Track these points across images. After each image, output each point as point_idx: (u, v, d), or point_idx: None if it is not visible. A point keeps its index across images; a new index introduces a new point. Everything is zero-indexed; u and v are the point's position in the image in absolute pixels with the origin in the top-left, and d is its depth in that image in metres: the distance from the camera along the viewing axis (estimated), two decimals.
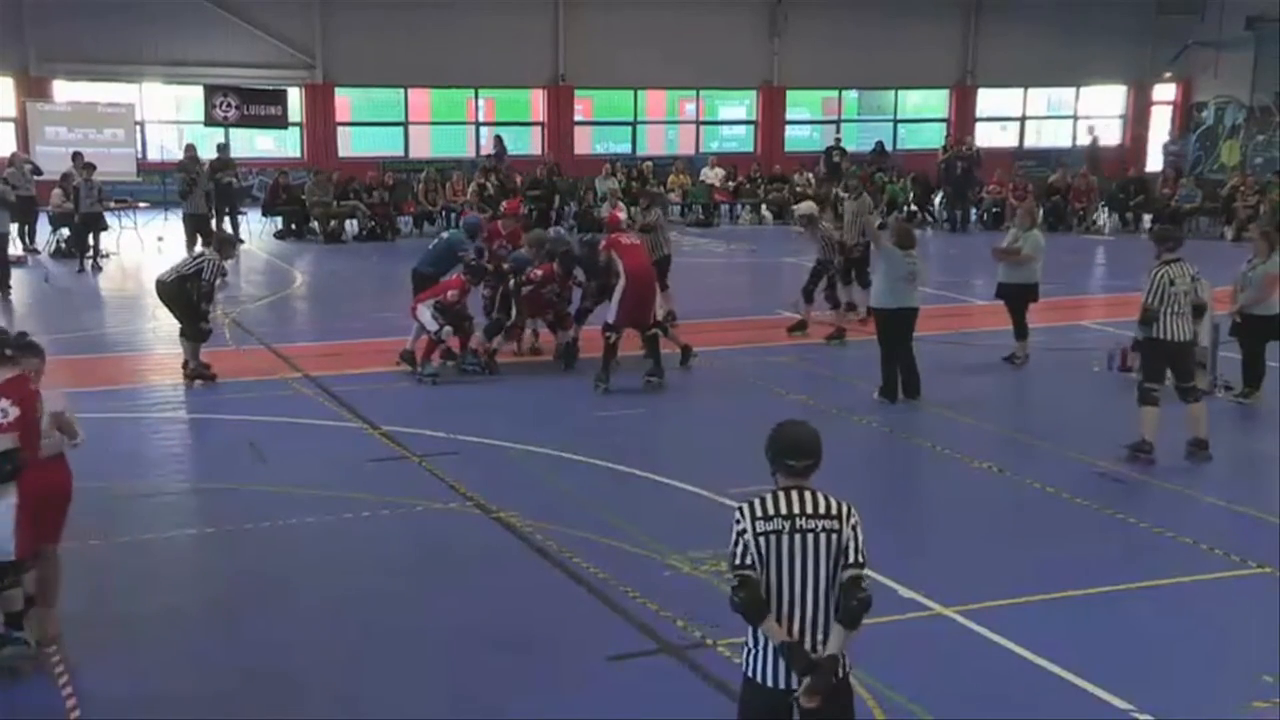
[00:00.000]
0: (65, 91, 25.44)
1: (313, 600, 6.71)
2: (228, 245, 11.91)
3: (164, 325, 14.07)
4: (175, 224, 21.47)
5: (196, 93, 25.04)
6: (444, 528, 7.87)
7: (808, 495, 4.09)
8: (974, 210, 25.50)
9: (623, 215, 13.27)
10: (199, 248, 15.76)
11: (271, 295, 16.86)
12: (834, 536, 4.04)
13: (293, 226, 23.01)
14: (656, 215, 13.80)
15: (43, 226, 20.56)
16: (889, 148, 28.76)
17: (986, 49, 31.49)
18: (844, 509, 4.09)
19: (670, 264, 13.76)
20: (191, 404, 10.88)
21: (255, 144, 27.14)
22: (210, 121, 24.34)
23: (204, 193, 19.43)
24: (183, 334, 11.38)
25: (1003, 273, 12.47)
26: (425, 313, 11.53)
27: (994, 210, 25.08)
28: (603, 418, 10.43)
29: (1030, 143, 33.22)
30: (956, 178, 25.21)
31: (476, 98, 28.78)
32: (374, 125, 28.26)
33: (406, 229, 23.32)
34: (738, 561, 4.07)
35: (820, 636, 4.07)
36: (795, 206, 14.09)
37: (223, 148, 22.59)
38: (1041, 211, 23.61)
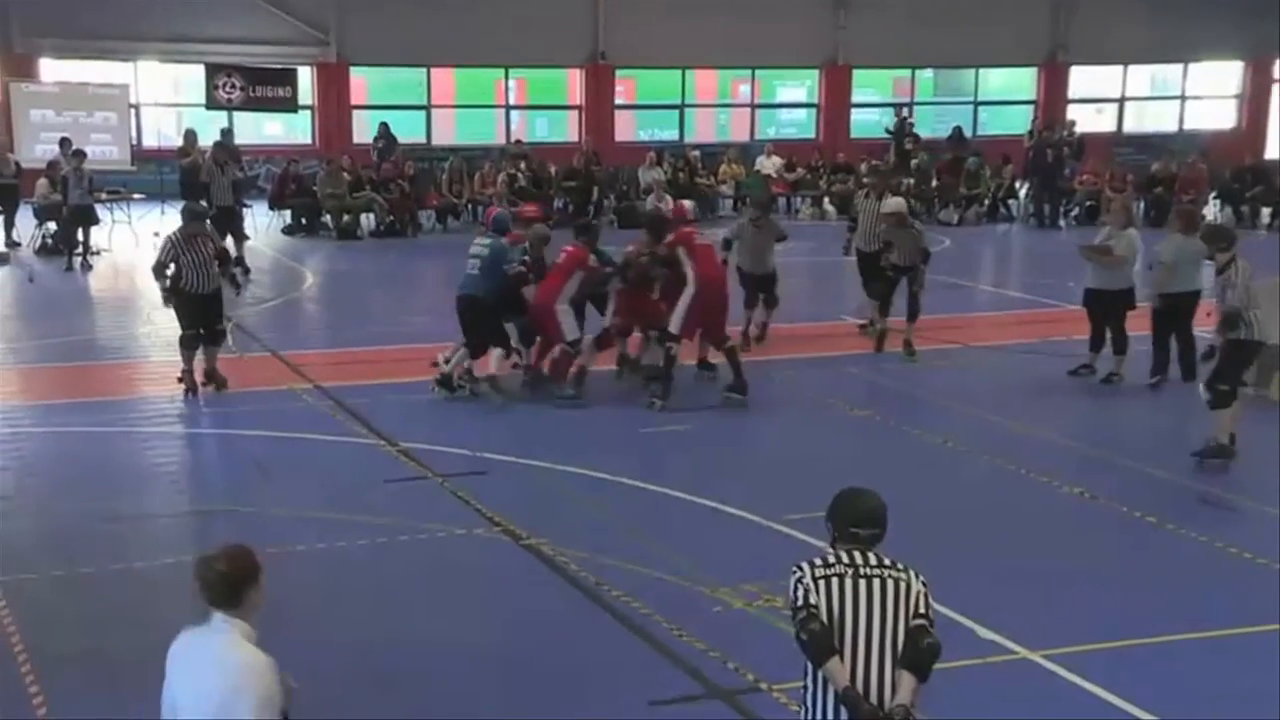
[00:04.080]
0: (52, 71, 25.75)
1: (322, 634, 6.78)
2: (189, 218, 11.68)
3: (160, 330, 14.27)
4: (174, 219, 21.70)
5: (197, 72, 25.35)
6: (469, 556, 7.92)
7: (870, 554, 4.31)
8: (1064, 204, 25.31)
9: (690, 205, 13.24)
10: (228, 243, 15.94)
11: (279, 297, 17.00)
12: (900, 584, 4.23)
13: (303, 221, 23.16)
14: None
15: (26, 219, 20.83)
16: (968, 133, 28.64)
17: (1081, 21, 31.25)
18: (910, 568, 4.31)
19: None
20: (191, 417, 11.02)
21: (262, 129, 27.43)
22: (212, 104, 24.64)
23: (230, 182, 19.49)
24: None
25: (1091, 276, 12.35)
26: (567, 318, 11.29)
27: (1088, 204, 24.90)
28: (647, 435, 10.47)
29: (1130, 128, 32.95)
30: (1046, 167, 25.03)
31: (507, 78, 28.93)
32: (393, 109, 28.44)
33: (429, 224, 23.49)
34: (800, 602, 4.24)
35: (884, 687, 4.15)
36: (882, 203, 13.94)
37: (226, 133, 22.85)
38: (1142, 205, 23.48)
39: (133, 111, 25.59)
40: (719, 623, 6.83)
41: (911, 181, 25.70)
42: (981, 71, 32.06)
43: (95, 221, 19.69)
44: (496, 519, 8.38)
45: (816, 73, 30.66)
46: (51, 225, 20.21)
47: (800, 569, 4.29)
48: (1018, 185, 26.29)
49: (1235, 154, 27.72)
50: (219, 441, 10.47)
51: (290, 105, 25.86)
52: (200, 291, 11.22)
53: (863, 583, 4.21)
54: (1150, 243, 13.14)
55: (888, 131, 27.94)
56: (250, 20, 26.35)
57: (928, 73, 31.90)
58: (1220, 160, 26.90)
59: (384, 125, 25.30)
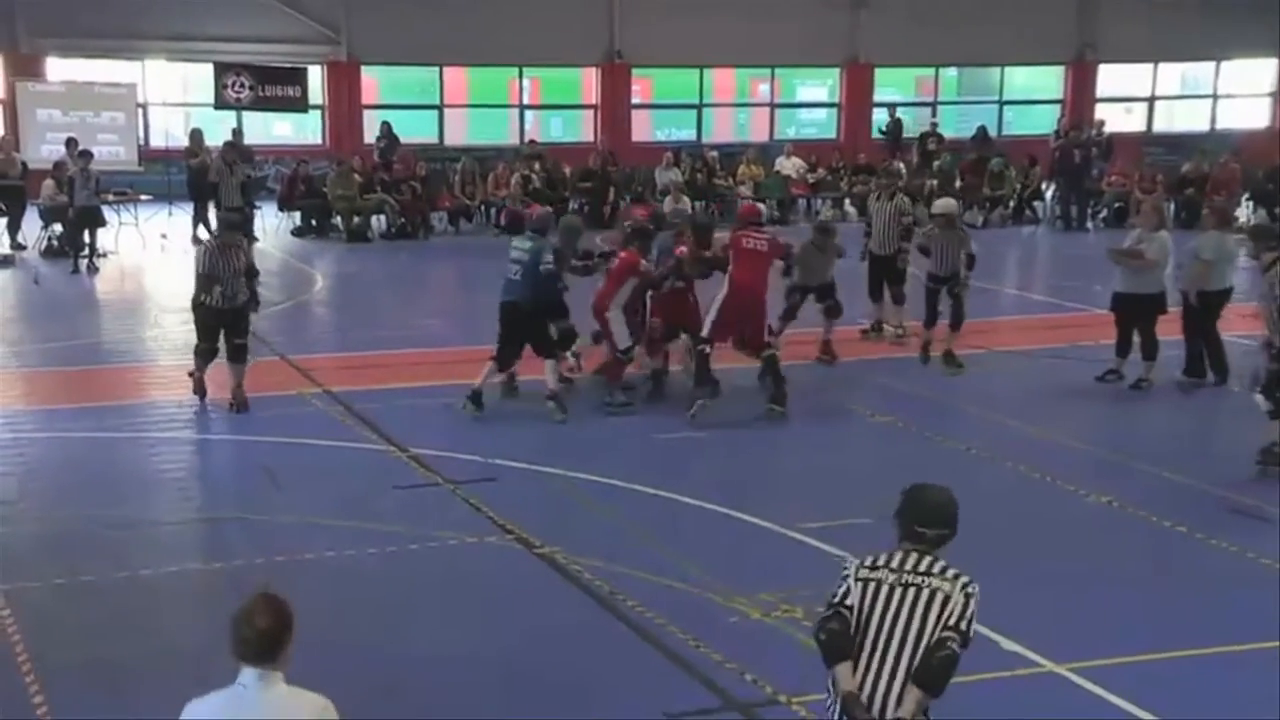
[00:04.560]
0: (59, 70, 25.88)
1: (331, 644, 6.77)
2: (226, 227, 11.70)
3: (168, 334, 14.34)
4: (182, 220, 21.81)
5: (206, 71, 25.43)
6: (480, 564, 7.94)
7: (926, 558, 4.31)
8: (1091, 205, 25.24)
9: (763, 209, 13.16)
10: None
11: (288, 300, 17.03)
12: (937, 595, 4.22)
13: (313, 222, 23.25)
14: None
15: (32, 221, 20.92)
16: (992, 133, 28.59)
17: (1109, 18, 31.15)
18: (961, 577, 4.27)
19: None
20: (199, 423, 11.05)
21: (271, 129, 27.55)
22: (221, 104, 24.72)
23: (239, 182, 19.53)
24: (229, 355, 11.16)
25: (1121, 280, 12.29)
26: (619, 325, 11.26)
27: (1116, 205, 24.82)
28: (662, 441, 10.46)
29: (1160, 127, 32.84)
30: (1072, 168, 24.96)
31: (520, 77, 28.99)
32: (405, 109, 28.54)
33: (441, 226, 23.53)
34: (835, 599, 4.28)
35: (890, 697, 4.16)
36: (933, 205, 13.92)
37: (236, 133, 22.93)
38: (1173, 206, 23.37)
39: (140, 111, 25.68)
40: (736, 633, 6.82)
41: (935, 183, 25.66)
42: (1007, 70, 31.98)
43: (102, 223, 19.80)
44: (508, 526, 8.39)
45: (837, 71, 30.63)
46: (57, 227, 20.28)
47: (848, 565, 4.35)
48: (1044, 186, 26.23)
49: (1269, 154, 27.55)
50: (226, 447, 10.49)
51: (300, 105, 25.93)
52: (226, 306, 11.00)
53: (899, 590, 4.22)
54: (1180, 244, 13.09)
55: (881, 132, 27.98)
56: (259, 19, 26.46)
57: (951, 71, 31.86)
58: (1253, 160, 26.78)
59: (385, 125, 25.34)
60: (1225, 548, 8.16)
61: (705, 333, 11.04)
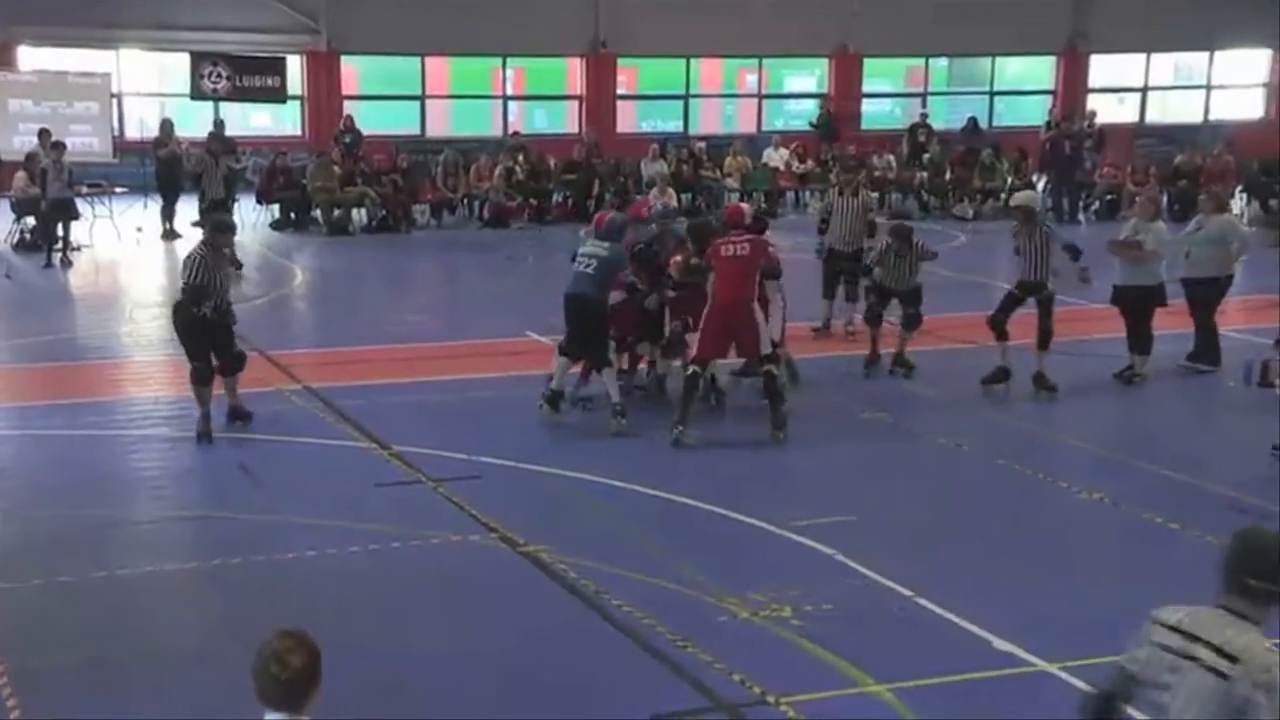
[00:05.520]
0: (31, 59, 25.80)
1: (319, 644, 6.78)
2: (219, 231, 10.76)
3: (143, 329, 14.31)
4: (158, 213, 21.73)
5: (182, 61, 25.38)
6: (464, 563, 7.94)
7: (1227, 625, 3.76)
8: (1083, 197, 25.32)
9: (748, 209, 12.48)
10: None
11: (267, 295, 16.99)
12: (1218, 687, 3.67)
13: (292, 215, 23.19)
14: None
15: (4, 214, 20.85)
16: (983, 124, 28.64)
17: (1101, 7, 31.21)
18: (1255, 659, 3.67)
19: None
20: (175, 421, 11.00)
21: (249, 120, 27.44)
22: (198, 94, 24.65)
23: (223, 175, 19.44)
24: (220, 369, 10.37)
25: (1120, 273, 12.35)
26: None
27: (1108, 198, 24.91)
28: (650, 439, 10.44)
29: (1153, 118, 32.95)
30: (1064, 159, 25.04)
31: (504, 67, 28.95)
32: (386, 99, 28.50)
33: (423, 219, 23.50)
34: (1125, 655, 3.96)
35: None
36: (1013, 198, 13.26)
37: (219, 125, 22.84)
38: (1166, 198, 23.44)
39: (114, 101, 25.57)
40: (725, 633, 6.84)
41: (925, 175, 25.73)
42: (998, 60, 32.06)
43: (75, 216, 19.72)
44: (493, 525, 8.39)
45: (826, 61, 30.65)
46: (30, 220, 20.20)
47: (1150, 618, 3.88)
48: (1035, 178, 26.29)
49: (1263, 145, 27.68)
50: (204, 445, 10.44)
51: (279, 95, 25.88)
52: (215, 314, 10.21)
53: (1184, 664, 3.72)
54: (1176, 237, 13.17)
55: (812, 125, 28.03)
56: (237, 7, 26.35)
57: (942, 61, 31.91)
58: (1247, 152, 26.91)
59: (348, 119, 25.16)
60: (1220, 545, 8.17)
61: (693, 354, 10.55)
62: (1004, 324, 11.80)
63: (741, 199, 25.86)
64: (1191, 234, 12.89)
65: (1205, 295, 12.71)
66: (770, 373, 10.43)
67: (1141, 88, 33.00)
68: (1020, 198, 12.62)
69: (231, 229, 11.36)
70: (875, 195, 14.45)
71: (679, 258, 11.14)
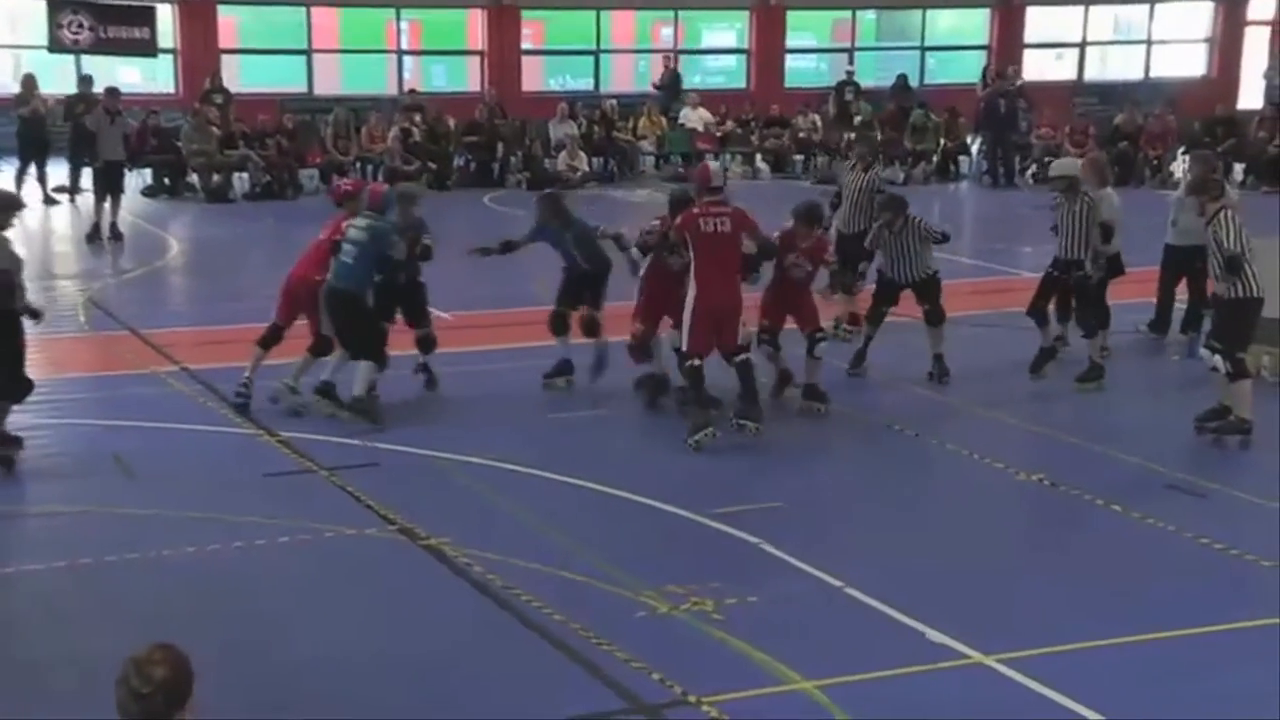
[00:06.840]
0: None
1: (193, 649, 6.70)
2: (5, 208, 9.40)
3: None
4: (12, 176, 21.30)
5: (38, 9, 24.80)
6: (360, 558, 7.89)
7: None
8: (1020, 160, 25.63)
9: (715, 166, 11.55)
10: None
11: (139, 268, 16.80)
12: None
13: (166, 181, 22.96)
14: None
15: None
16: (914, 82, 28.88)
17: None
18: None
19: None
20: (38, 405, 10.79)
21: (116, 75, 26.85)
22: (56, 46, 24.07)
23: (121, 134, 19.12)
24: None
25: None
26: None
27: (1046, 160, 25.22)
28: (559, 420, 10.48)
29: (1092, 75, 33.41)
30: (998, 119, 25.29)
31: (398, 19, 28.71)
32: (268, 53, 28.13)
33: (311, 185, 23.26)
34: None
35: None
36: (1053, 165, 12.53)
37: (86, 80, 22.34)
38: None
39: None
40: (643, 629, 6.85)
41: (851, 137, 25.86)
42: (929, 13, 32.31)
43: None
44: (391, 516, 8.35)
45: (747, 14, 30.73)
46: None
47: None
48: (969, 140, 26.57)
49: (1205, 104, 28.16)
50: (71, 433, 10.27)
51: (148, 48, 25.36)
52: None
53: None
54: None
55: (655, 87, 28.04)
56: None
57: (870, 14, 32.11)
58: (1189, 111, 27.38)
59: (216, 76, 24.89)
60: (1162, 527, 8.36)
61: (685, 346, 10.03)
62: (1045, 311, 11.65)
63: (657, 164, 25.93)
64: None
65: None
66: (747, 361, 10.00)
67: (1079, 43, 33.44)
68: (1062, 165, 12.31)
69: (15, 206, 9.79)
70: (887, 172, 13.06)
71: (657, 222, 10.63)
